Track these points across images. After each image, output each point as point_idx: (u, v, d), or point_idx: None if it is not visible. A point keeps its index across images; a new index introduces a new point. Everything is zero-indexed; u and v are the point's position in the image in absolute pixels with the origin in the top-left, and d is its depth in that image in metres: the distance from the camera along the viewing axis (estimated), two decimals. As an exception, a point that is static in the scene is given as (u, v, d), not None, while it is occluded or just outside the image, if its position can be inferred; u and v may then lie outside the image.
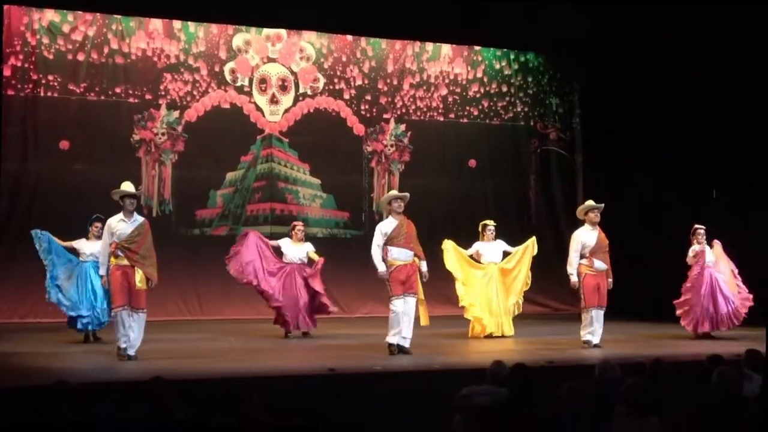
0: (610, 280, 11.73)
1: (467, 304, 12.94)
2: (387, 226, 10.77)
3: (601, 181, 16.94)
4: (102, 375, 9.09)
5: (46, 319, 13.24)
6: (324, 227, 16.75)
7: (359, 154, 17.16)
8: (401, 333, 10.56)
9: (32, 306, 14.21)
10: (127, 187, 10.32)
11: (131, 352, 9.93)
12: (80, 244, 12.16)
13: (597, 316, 11.56)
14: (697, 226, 12.97)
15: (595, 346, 11.45)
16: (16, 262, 14.43)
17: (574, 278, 11.65)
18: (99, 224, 11.84)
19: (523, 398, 5.91)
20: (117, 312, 9.99)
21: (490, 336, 12.87)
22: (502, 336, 12.88)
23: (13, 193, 14.92)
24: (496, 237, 13.32)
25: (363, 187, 17.12)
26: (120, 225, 10.06)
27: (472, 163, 17.77)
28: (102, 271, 10.22)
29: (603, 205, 11.80)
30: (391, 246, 10.67)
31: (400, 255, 10.69)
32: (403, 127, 17.42)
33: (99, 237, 11.41)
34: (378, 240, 10.74)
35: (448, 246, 13.10)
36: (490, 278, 13.09)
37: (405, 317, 10.59)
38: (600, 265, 11.60)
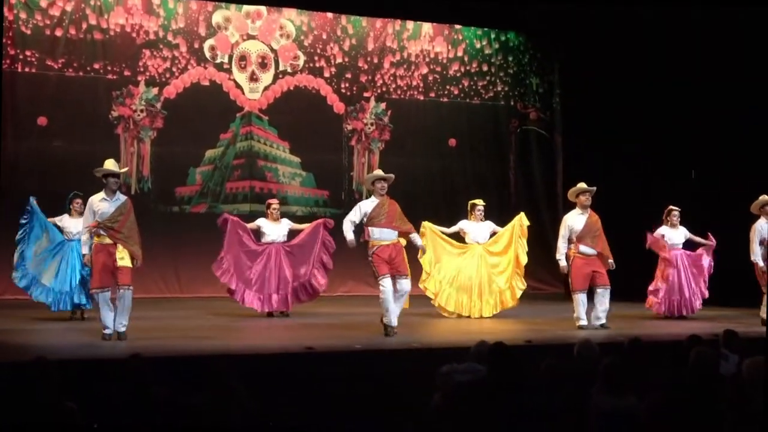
0: (611, 260, 11.65)
1: (426, 285, 12.92)
2: (367, 205, 10.77)
3: (580, 161, 16.97)
4: (81, 352, 9.07)
5: (24, 297, 13.14)
6: (304, 206, 16.72)
7: (339, 132, 17.12)
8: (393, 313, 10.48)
9: (9, 282, 14.13)
10: (111, 165, 10.09)
11: (121, 329, 9.81)
12: (64, 222, 12.06)
13: (599, 296, 11.48)
14: (672, 207, 13.03)
15: (602, 326, 11.36)
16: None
17: (562, 263, 11.65)
18: (79, 200, 11.81)
19: (502, 376, 5.94)
20: (96, 294, 9.91)
21: (459, 316, 12.86)
22: (480, 317, 12.89)
23: (-11, 168, 14.80)
24: (486, 218, 13.32)
25: (343, 166, 17.08)
26: (102, 204, 9.84)
27: (452, 142, 17.76)
28: (84, 250, 9.98)
29: (595, 188, 11.76)
30: (372, 227, 10.63)
31: (382, 235, 10.63)
32: (383, 105, 17.38)
33: (81, 213, 11.32)
34: (353, 216, 10.77)
35: (426, 230, 13.04)
36: (471, 258, 13.06)
37: (398, 297, 10.52)
38: (586, 250, 11.54)
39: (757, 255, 12.10)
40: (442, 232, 13.23)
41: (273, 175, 16.57)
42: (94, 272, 9.88)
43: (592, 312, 11.50)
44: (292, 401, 5.52)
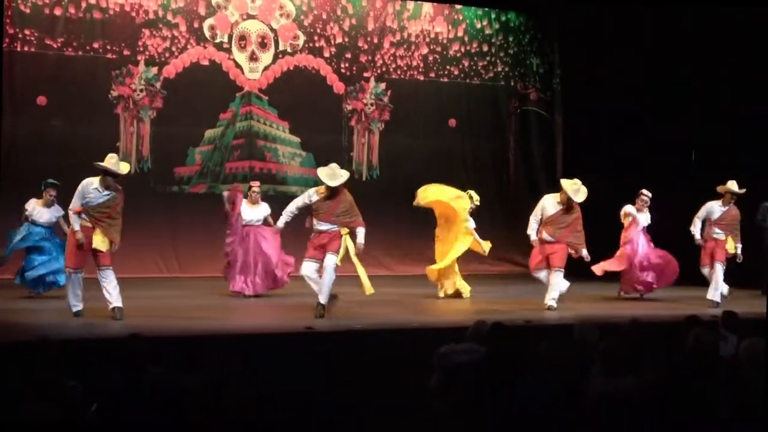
0: (584, 252, 11.84)
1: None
2: (314, 197, 10.79)
3: (580, 141, 16.95)
4: (81, 332, 9.09)
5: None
6: (303, 186, 16.63)
7: (339, 112, 17.07)
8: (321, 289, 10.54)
9: (11, 262, 14.15)
10: (113, 163, 10.05)
11: (117, 303, 9.91)
12: (33, 207, 12.01)
13: (553, 277, 11.71)
14: (642, 191, 13.05)
15: (549, 308, 11.56)
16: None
17: (533, 237, 11.95)
18: (53, 191, 11.85)
19: (501, 357, 5.94)
20: (70, 272, 9.96)
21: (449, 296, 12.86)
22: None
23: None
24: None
25: (343, 146, 17.05)
26: (94, 193, 9.90)
27: (452, 122, 17.72)
28: (76, 227, 9.91)
29: (581, 200, 11.81)
30: (315, 218, 10.73)
31: (320, 226, 10.70)
32: (383, 85, 17.33)
33: (50, 204, 11.72)
34: (298, 201, 10.95)
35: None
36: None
37: (325, 275, 10.51)
38: (548, 237, 11.77)
39: (696, 229, 12.56)
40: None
41: (272, 155, 16.54)
42: (70, 252, 9.94)
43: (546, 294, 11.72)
44: (291, 381, 5.52)
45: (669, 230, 13.11)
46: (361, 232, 10.73)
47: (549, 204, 11.87)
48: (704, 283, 12.52)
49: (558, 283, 11.70)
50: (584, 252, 11.84)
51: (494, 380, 5.57)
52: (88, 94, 15.39)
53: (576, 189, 11.73)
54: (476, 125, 17.87)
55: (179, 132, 15.91)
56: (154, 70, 15.81)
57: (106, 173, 9.91)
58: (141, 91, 15.73)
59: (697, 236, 12.56)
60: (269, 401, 4.92)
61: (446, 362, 6.23)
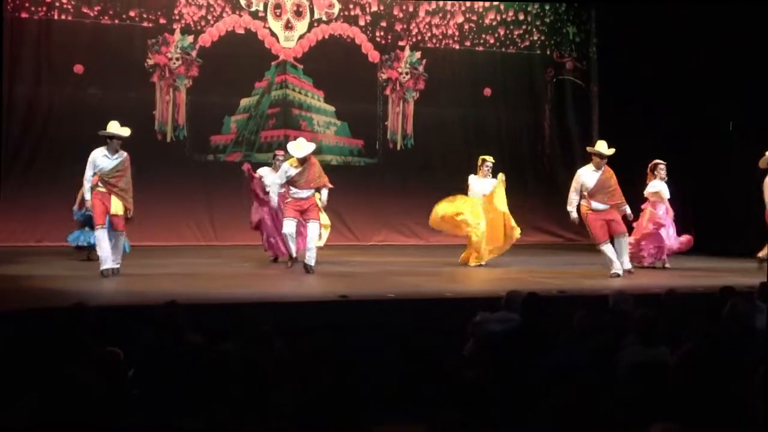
0: (628, 212, 11.94)
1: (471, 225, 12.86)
2: (291, 171, 11.76)
3: (616, 111, 16.83)
4: (117, 298, 9.19)
5: (61, 243, 13.28)
6: (338, 155, 16.72)
7: (374, 81, 17.06)
8: (308, 251, 11.61)
9: (47, 229, 14.31)
10: (116, 128, 10.77)
11: (115, 265, 10.67)
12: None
13: (618, 246, 11.70)
14: (657, 161, 12.95)
15: (628, 271, 11.70)
16: (30, 184, 14.54)
17: (573, 215, 11.99)
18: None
19: (535, 326, 5.96)
20: (97, 228, 10.72)
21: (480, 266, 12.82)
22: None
23: (26, 116, 14.89)
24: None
25: (377, 115, 17.05)
26: (103, 160, 10.70)
27: (487, 91, 17.65)
28: (87, 196, 10.76)
29: (610, 154, 11.77)
30: (292, 187, 11.75)
31: (298, 194, 11.76)
32: (418, 54, 17.28)
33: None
34: (279, 178, 11.87)
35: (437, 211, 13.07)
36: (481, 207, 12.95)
37: (310, 239, 11.62)
38: (597, 206, 11.73)
39: None
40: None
41: (307, 124, 16.57)
42: (95, 213, 10.73)
43: (617, 260, 11.66)
44: (325, 349, 5.56)
45: (703, 201, 13.02)
46: (325, 191, 11.99)
47: (586, 175, 11.82)
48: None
49: (626, 247, 11.88)
50: (628, 210, 11.98)
51: (528, 349, 5.59)
52: (125, 63, 15.49)
53: (604, 145, 11.86)
54: (511, 95, 17.79)
55: (215, 100, 15.97)
56: (190, 38, 15.87)
57: (111, 138, 10.71)
58: (177, 59, 15.80)
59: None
60: (306, 369, 4.97)
61: (481, 331, 6.26)
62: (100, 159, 10.68)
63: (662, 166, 12.95)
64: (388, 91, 17.12)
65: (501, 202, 12.85)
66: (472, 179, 13.00)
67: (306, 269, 11.49)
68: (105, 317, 6.67)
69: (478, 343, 6.20)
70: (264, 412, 4.53)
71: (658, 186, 12.93)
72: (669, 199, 13.00)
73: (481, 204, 12.83)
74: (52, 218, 14.02)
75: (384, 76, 17.09)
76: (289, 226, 11.72)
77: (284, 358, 5.26)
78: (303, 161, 11.75)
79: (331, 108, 16.71)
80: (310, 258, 11.56)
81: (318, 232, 11.95)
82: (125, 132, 10.82)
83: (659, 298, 7.25)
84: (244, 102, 16.25)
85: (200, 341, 5.52)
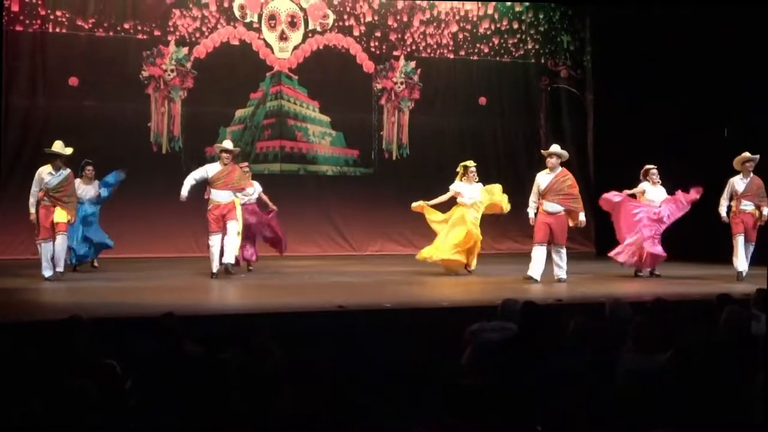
0: (581, 219, 12.15)
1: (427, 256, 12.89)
2: (212, 169, 12.13)
3: (611, 119, 16.86)
4: (112, 311, 9.18)
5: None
6: (333, 165, 16.73)
7: (369, 91, 17.09)
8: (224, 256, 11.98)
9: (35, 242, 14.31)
10: (59, 148, 11.68)
11: (59, 268, 11.49)
12: (77, 186, 12.52)
13: (556, 253, 11.96)
14: (648, 166, 12.98)
15: (558, 280, 11.83)
16: (26, 197, 14.37)
17: (531, 215, 12.23)
18: (90, 167, 12.92)
19: (532, 334, 5.96)
20: (40, 243, 11.56)
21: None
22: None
23: (23, 126, 14.90)
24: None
25: (372, 125, 17.07)
26: (48, 177, 11.61)
27: (482, 100, 17.69)
28: (32, 210, 11.62)
29: (555, 152, 12.10)
30: (212, 188, 12.04)
31: (217, 196, 12.01)
32: (413, 64, 17.32)
33: (92, 179, 12.86)
34: (195, 174, 12.18)
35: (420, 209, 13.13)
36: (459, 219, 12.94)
37: (232, 241, 11.98)
38: (548, 206, 11.96)
39: (722, 207, 12.53)
40: (435, 204, 13.08)
41: (303, 134, 16.59)
42: (41, 227, 11.58)
43: (539, 266, 11.94)
44: (323, 359, 5.56)
45: (700, 207, 13.01)
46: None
47: (541, 178, 12.15)
48: (728, 261, 12.46)
49: (563, 258, 12.03)
50: (582, 217, 12.13)
51: (525, 357, 5.59)
52: (120, 75, 15.51)
53: (556, 147, 12.27)
54: (506, 103, 17.83)
55: (210, 112, 15.99)
56: (185, 50, 15.89)
57: (56, 156, 11.61)
58: (172, 71, 15.81)
59: (723, 215, 12.51)
60: (304, 378, 4.97)
61: (478, 339, 6.25)
62: (46, 176, 11.61)
63: (654, 171, 12.97)
64: (383, 101, 17.15)
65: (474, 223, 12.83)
66: (461, 186, 12.94)
67: (226, 269, 11.93)
68: (102, 329, 6.66)
69: (475, 351, 6.20)
70: (263, 421, 4.53)
71: (643, 186, 12.93)
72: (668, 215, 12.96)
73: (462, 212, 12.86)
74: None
75: (379, 86, 17.11)
76: (216, 240, 11.98)
77: (283, 368, 5.25)
78: (225, 165, 12.04)
79: (326, 118, 16.73)
80: (230, 257, 11.97)
81: (237, 230, 12.10)
82: (68, 151, 11.72)
83: (652, 305, 7.26)
84: (240, 113, 16.26)
85: (199, 351, 5.51)
